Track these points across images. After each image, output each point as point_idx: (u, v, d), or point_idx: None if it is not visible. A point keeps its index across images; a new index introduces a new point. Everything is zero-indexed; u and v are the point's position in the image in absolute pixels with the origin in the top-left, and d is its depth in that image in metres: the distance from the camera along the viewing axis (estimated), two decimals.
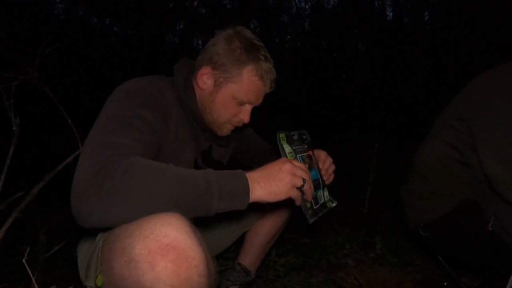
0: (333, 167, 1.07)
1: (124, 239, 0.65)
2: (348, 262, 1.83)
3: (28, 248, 0.81)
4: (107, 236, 0.75)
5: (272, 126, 1.06)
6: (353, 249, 1.99)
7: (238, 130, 1.13)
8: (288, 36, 11.00)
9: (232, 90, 0.97)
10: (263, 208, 1.30)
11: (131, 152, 0.72)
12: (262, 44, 1.00)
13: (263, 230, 1.32)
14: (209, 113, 1.01)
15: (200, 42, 10.30)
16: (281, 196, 0.77)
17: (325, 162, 1.05)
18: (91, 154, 0.71)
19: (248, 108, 1.02)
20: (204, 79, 0.99)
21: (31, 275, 0.74)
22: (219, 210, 0.72)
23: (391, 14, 9.69)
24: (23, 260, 0.74)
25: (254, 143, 1.32)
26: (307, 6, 10.86)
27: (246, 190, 0.74)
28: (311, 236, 2.16)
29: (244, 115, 1.02)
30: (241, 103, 1.00)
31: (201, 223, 0.81)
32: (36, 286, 0.79)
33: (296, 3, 10.66)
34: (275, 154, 1.21)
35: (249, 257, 1.34)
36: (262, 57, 0.97)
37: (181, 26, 9.53)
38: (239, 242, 1.38)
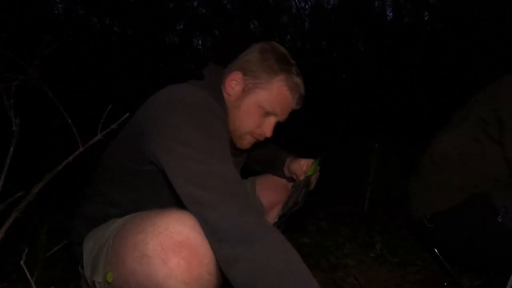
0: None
1: (137, 235, 0.65)
2: (348, 262, 1.82)
3: (26, 249, 0.81)
4: (118, 231, 0.76)
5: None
6: (353, 249, 1.98)
7: None
8: (288, 36, 10.98)
9: (259, 97, 0.95)
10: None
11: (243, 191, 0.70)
12: (294, 62, 0.99)
13: None
14: (232, 120, 0.97)
15: (200, 42, 10.31)
16: None
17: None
18: (215, 188, 0.66)
19: (272, 120, 0.99)
20: (233, 84, 0.97)
21: (30, 278, 0.74)
22: None
23: (391, 14, 9.69)
24: (21, 262, 0.73)
25: (259, 147, 1.30)
26: (307, 6, 10.86)
27: None
28: (311, 236, 2.16)
29: (267, 128, 0.98)
30: (266, 114, 0.97)
31: None
32: (34, 287, 0.79)
33: (296, 3, 10.65)
34: (279, 154, 1.22)
35: None
36: (294, 71, 0.97)
37: (181, 26, 9.53)
38: None
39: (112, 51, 7.13)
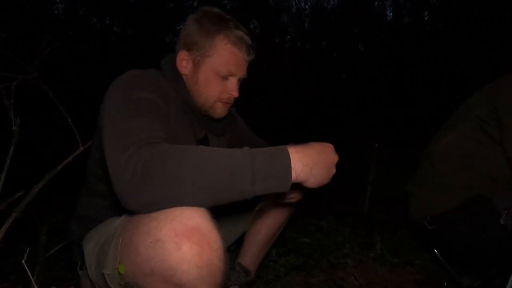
0: None
1: (149, 223, 0.67)
2: (348, 262, 1.82)
3: (28, 248, 0.81)
4: (125, 224, 0.78)
5: (272, 125, 1.05)
6: (353, 249, 1.98)
7: (233, 122, 1.13)
8: (288, 36, 10.99)
9: (211, 64, 0.97)
10: (262, 207, 1.30)
11: (150, 134, 0.74)
12: (231, 17, 1.00)
13: (263, 228, 1.32)
14: (197, 96, 1.00)
15: None
16: (320, 183, 0.76)
17: None
18: (116, 143, 0.72)
19: (233, 80, 1.01)
20: (183, 64, 0.99)
21: (31, 276, 0.74)
22: (256, 193, 0.70)
23: (391, 14, 9.70)
24: (23, 261, 0.74)
25: (249, 138, 1.30)
26: (307, 6, 10.87)
27: (287, 171, 0.70)
28: (311, 236, 2.16)
29: (232, 89, 1.01)
30: (225, 77, 0.99)
31: None
32: (35, 286, 0.79)
33: (296, 3, 10.66)
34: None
35: (249, 256, 1.34)
36: (231, 26, 0.97)
37: (181, 26, 9.53)
38: (239, 242, 1.38)
39: (112, 51, 7.14)
